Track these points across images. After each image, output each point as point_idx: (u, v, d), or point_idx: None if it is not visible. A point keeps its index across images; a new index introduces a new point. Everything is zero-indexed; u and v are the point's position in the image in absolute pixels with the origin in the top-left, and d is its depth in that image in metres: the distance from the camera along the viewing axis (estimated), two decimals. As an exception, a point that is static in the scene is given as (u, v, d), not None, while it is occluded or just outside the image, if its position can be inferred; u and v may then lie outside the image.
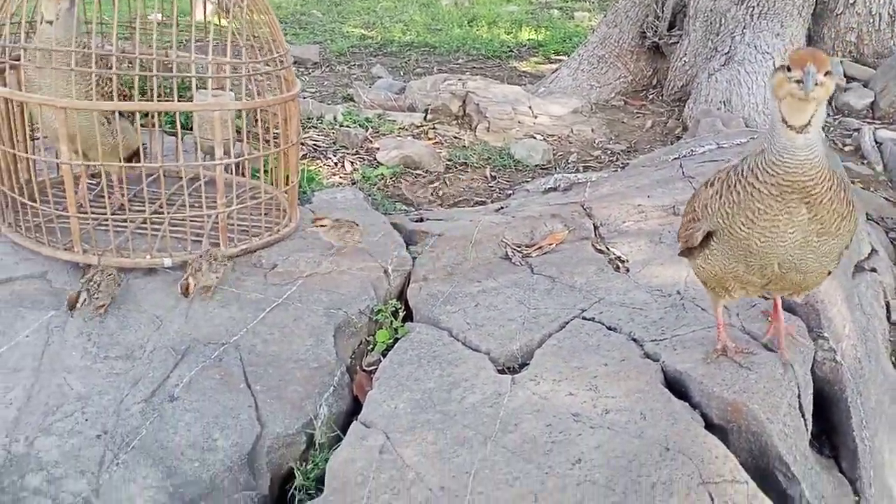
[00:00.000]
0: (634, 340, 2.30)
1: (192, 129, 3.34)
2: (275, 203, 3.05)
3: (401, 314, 2.61)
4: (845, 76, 5.40)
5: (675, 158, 3.74)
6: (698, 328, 2.31)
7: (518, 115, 5.15)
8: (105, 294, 2.38)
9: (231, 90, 3.30)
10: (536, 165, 4.49)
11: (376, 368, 2.34)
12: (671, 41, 5.76)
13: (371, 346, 2.53)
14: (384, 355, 2.40)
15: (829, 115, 5.00)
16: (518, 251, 2.93)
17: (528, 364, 2.25)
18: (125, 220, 2.78)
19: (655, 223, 3.03)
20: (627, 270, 2.73)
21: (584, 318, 2.43)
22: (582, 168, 4.49)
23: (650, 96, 5.85)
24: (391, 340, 2.50)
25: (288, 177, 2.96)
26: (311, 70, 6.46)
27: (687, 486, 1.78)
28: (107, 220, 2.65)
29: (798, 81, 1.56)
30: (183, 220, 2.74)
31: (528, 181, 4.21)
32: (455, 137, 4.89)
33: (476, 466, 1.85)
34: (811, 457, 2.13)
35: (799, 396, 2.12)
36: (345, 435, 2.05)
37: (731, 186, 1.74)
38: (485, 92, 5.35)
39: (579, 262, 2.80)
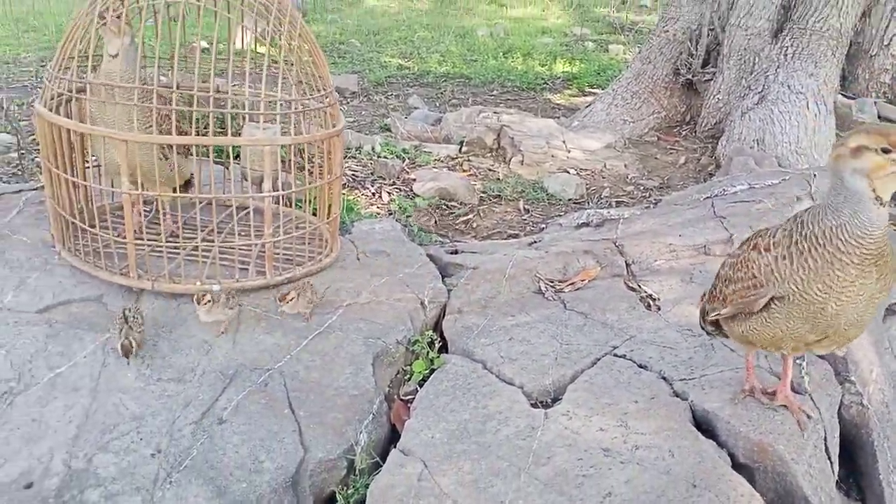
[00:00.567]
0: (664, 379, 2.38)
1: (237, 157, 3.47)
2: (318, 233, 3.18)
3: (436, 345, 2.70)
4: (879, 117, 5.44)
5: (707, 198, 3.79)
6: (726, 369, 2.38)
7: (552, 148, 5.24)
8: (140, 335, 2.44)
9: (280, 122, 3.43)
10: (569, 199, 4.58)
11: (413, 398, 2.44)
12: (705, 78, 5.82)
13: (408, 375, 2.62)
14: (420, 385, 2.49)
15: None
16: (551, 286, 3.01)
17: (560, 399, 2.33)
18: (177, 247, 2.92)
19: (686, 262, 3.10)
20: (658, 309, 2.81)
21: (615, 356, 2.51)
22: (614, 203, 4.56)
23: (683, 133, 5.90)
24: (427, 371, 2.59)
25: (330, 207, 3.09)
26: (349, 100, 6.63)
27: (713, 524, 1.85)
28: (160, 246, 2.79)
29: None
30: (231, 248, 2.87)
31: (560, 215, 4.29)
32: (489, 170, 5.00)
33: (510, 497, 1.94)
34: (837, 499, 2.18)
35: (825, 439, 2.18)
36: (383, 461, 2.15)
37: (803, 253, 1.79)
38: (519, 126, 5.47)
39: (611, 298, 2.88)
